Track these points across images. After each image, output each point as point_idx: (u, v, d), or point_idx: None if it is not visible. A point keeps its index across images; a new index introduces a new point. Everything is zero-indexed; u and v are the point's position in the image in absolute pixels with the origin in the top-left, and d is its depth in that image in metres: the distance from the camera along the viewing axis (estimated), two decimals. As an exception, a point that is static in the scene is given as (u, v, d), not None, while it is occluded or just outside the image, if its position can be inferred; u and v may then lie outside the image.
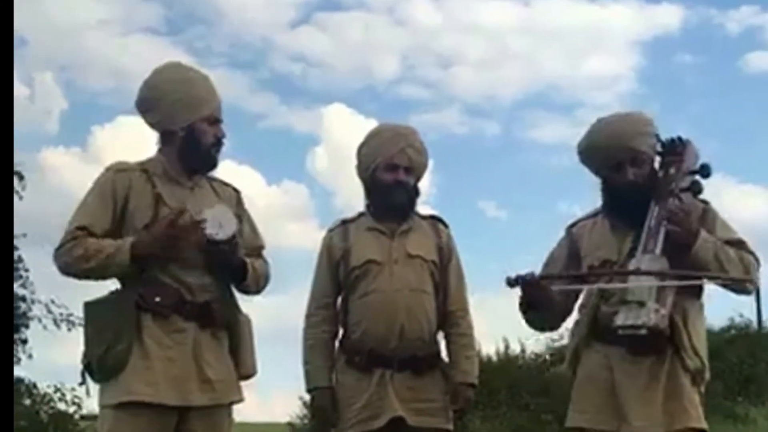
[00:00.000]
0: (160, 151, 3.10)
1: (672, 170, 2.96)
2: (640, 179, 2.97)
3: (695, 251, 2.84)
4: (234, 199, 3.20)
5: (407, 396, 3.29)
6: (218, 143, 3.10)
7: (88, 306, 2.99)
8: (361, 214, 3.52)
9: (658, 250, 2.84)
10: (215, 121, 3.09)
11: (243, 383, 3.13)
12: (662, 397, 2.88)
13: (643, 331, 2.73)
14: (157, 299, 2.92)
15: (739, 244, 2.95)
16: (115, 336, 2.88)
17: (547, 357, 12.33)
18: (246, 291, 3.13)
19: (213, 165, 3.12)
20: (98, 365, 2.90)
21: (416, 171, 3.44)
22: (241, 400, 3.10)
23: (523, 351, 11.93)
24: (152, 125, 3.11)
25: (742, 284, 2.91)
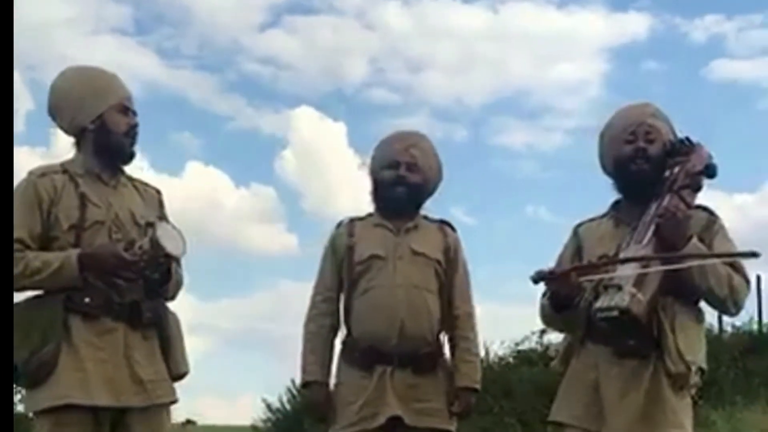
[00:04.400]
0: (78, 151, 3.08)
1: (676, 169, 2.98)
2: (652, 155, 3.00)
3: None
4: (156, 200, 3.19)
5: (406, 395, 3.29)
6: (131, 132, 3.07)
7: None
8: (369, 215, 3.54)
9: (645, 240, 2.85)
10: (125, 109, 3.07)
11: (181, 384, 3.09)
12: (643, 401, 2.86)
13: (615, 313, 2.72)
14: (87, 300, 2.90)
15: (734, 264, 2.91)
16: (42, 338, 2.84)
17: (511, 360, 12.37)
18: (163, 296, 3.09)
19: (129, 154, 3.09)
20: (25, 369, 2.84)
21: (422, 170, 3.45)
22: (174, 401, 3.07)
23: (486, 354, 11.94)
24: (65, 129, 3.10)
25: (720, 296, 2.88)
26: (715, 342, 11.79)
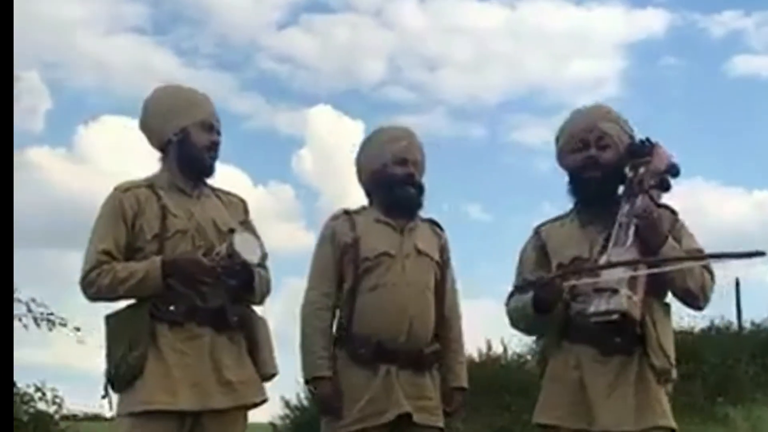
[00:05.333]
0: (163, 166, 3.18)
1: (641, 170, 3.01)
2: (605, 163, 3.04)
3: (661, 254, 2.90)
4: (240, 208, 3.28)
5: (411, 393, 3.30)
6: (213, 147, 3.16)
7: (107, 319, 3.06)
8: (363, 208, 3.51)
9: (629, 242, 2.89)
10: (210, 127, 3.16)
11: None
12: (632, 395, 2.91)
13: (615, 316, 2.77)
14: (171, 308, 2.99)
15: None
16: (130, 345, 2.94)
17: (529, 357, 12.37)
18: (251, 301, 3.16)
19: (208, 168, 3.18)
20: (114, 374, 2.96)
21: (421, 170, 3.48)
22: (264, 400, 3.14)
23: (504, 351, 11.96)
24: (153, 143, 3.20)
25: (695, 294, 2.96)
26: (734, 339, 11.75)
